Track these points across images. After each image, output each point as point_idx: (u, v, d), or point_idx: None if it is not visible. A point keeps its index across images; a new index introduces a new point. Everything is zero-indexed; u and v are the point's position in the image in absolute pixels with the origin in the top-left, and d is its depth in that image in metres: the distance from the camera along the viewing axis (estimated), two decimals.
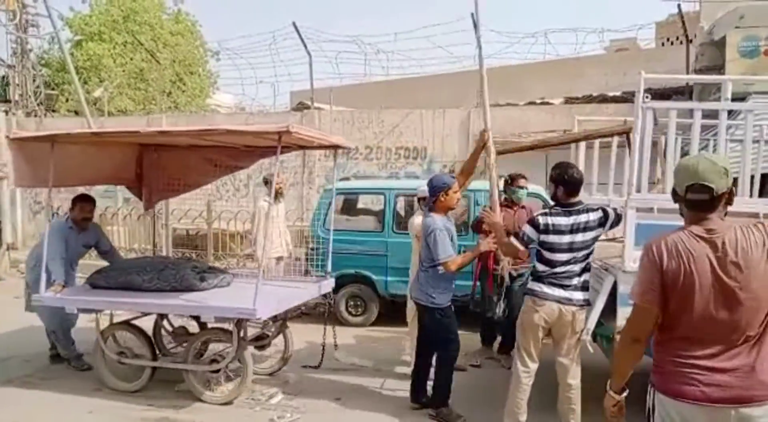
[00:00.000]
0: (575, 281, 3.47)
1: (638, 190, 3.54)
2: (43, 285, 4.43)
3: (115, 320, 4.83)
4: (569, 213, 3.44)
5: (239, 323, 4.21)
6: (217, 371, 4.37)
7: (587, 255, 3.52)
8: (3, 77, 13.03)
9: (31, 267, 5.14)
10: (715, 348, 1.96)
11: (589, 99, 10.77)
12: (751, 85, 7.57)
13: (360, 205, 7.50)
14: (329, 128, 10.29)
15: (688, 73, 9.23)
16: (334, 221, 7.03)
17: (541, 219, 3.46)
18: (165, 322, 5.25)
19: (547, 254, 3.48)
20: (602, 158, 5.39)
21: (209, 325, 4.36)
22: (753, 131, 3.80)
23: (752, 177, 4.28)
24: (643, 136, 3.49)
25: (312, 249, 6.76)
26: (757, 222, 2.05)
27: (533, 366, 3.60)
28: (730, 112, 4.14)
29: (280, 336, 4.99)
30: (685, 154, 4.87)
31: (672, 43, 18.54)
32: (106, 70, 18.71)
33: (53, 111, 13.99)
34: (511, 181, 5.23)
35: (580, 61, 15.67)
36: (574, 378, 3.55)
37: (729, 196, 2.02)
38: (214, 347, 4.71)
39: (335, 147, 5.08)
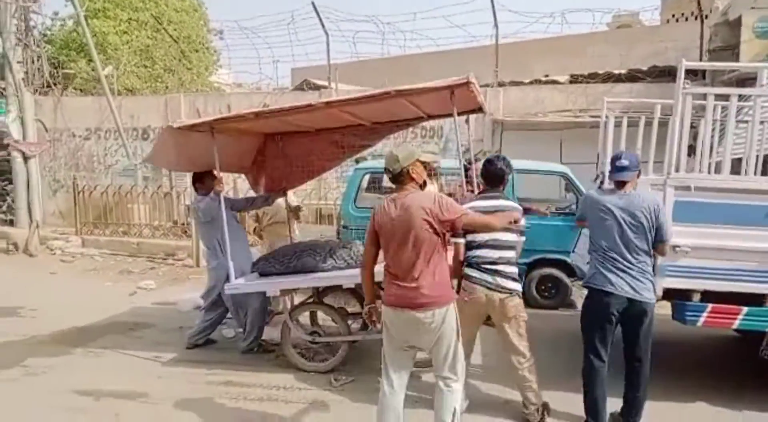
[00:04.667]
0: (498, 267, 3.59)
1: (677, 170, 3.80)
2: (232, 274, 4.46)
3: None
4: (488, 198, 3.71)
5: None
6: None
7: (507, 246, 3.62)
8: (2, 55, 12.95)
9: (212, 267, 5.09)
10: (400, 272, 3.00)
11: (594, 76, 10.89)
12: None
13: (387, 183, 7.74)
14: None
15: (701, 52, 9.43)
16: (361, 199, 7.32)
17: (464, 205, 3.62)
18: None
19: (469, 236, 3.64)
20: (630, 137, 5.61)
21: None
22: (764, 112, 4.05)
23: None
24: (682, 120, 3.74)
25: (344, 227, 7.04)
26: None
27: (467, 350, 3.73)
28: (741, 96, 4.40)
29: None
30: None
31: (677, 20, 18.59)
32: (111, 47, 18.66)
33: (66, 89, 14.02)
34: None
35: (583, 37, 15.73)
36: (522, 357, 3.68)
37: (408, 174, 3.01)
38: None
39: (469, 112, 4.63)
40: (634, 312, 3.47)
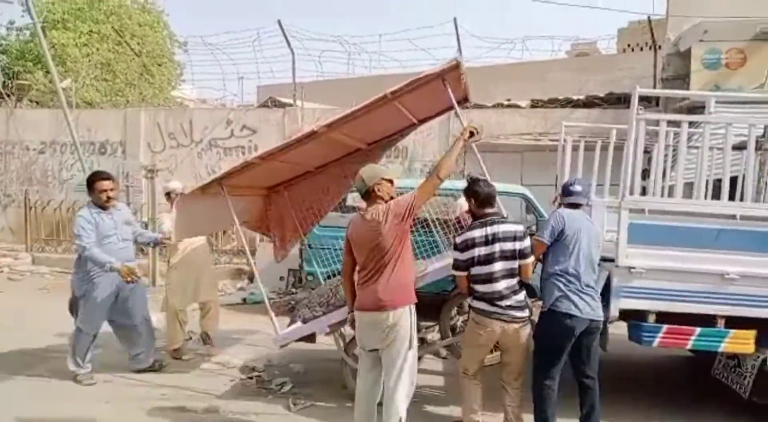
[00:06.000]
0: (509, 301, 3.50)
1: (631, 193, 3.90)
2: (276, 325, 4.31)
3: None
4: (483, 225, 3.55)
5: None
6: None
7: (512, 272, 3.52)
8: None
9: (78, 277, 4.80)
10: (364, 278, 3.32)
11: (554, 102, 11.20)
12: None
13: (349, 203, 7.70)
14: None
15: (655, 80, 9.82)
16: (325, 218, 7.25)
17: (458, 240, 3.61)
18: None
19: (472, 270, 3.55)
20: (587, 160, 5.76)
21: None
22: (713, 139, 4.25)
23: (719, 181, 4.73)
24: (636, 144, 3.86)
25: (308, 246, 6.94)
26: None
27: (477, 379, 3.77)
28: (692, 123, 4.60)
29: None
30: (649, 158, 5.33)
31: (633, 50, 19.43)
32: (71, 59, 18.19)
33: (20, 100, 13.56)
34: None
35: (544, 64, 16.23)
36: (511, 384, 3.70)
37: (374, 192, 3.32)
38: None
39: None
40: (590, 331, 3.55)
